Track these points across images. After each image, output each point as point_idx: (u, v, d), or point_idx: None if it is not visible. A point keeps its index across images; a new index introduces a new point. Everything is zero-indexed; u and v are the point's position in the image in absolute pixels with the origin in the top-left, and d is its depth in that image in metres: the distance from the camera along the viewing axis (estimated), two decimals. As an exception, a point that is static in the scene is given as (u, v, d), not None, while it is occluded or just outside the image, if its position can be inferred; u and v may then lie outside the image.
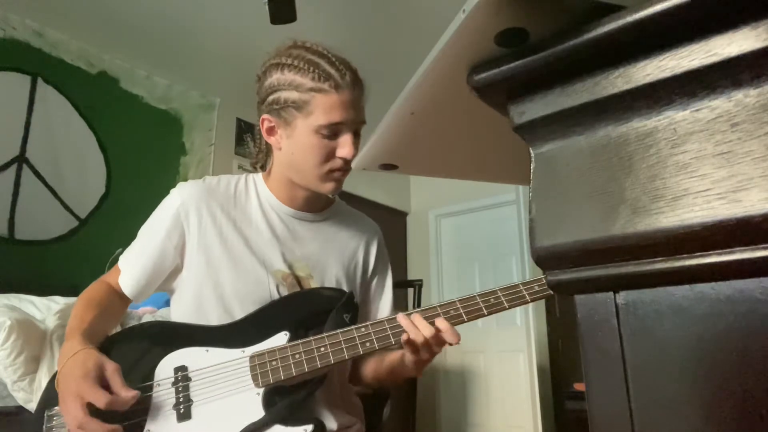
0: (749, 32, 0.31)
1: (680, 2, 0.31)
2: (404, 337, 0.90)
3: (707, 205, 0.31)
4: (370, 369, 1.12)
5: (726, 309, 0.31)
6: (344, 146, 0.97)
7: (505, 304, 0.94)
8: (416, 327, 0.90)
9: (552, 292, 0.45)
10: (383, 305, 1.17)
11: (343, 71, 0.96)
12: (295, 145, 0.99)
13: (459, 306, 0.94)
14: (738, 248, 0.30)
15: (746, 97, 0.31)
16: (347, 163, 0.98)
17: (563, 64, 0.38)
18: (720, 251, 0.31)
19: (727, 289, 0.31)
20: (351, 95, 0.96)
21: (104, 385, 0.82)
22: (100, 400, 0.79)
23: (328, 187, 1.02)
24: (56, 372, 0.89)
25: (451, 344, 0.90)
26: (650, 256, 0.34)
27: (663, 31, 0.33)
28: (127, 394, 0.82)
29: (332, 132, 0.96)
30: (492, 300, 0.94)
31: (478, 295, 0.95)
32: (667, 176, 0.33)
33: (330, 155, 0.98)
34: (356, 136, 0.99)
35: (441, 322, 0.90)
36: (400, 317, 0.92)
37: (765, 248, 0.30)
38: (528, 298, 0.94)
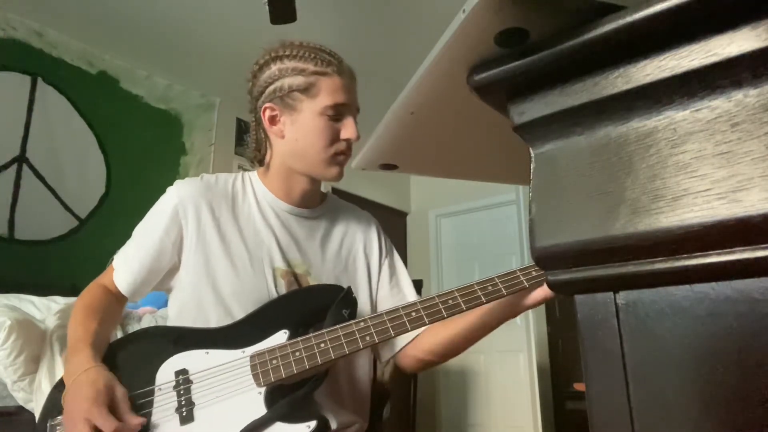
0: (749, 32, 0.31)
1: (680, 2, 0.31)
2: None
3: (707, 205, 0.31)
4: (425, 345, 1.05)
5: (726, 309, 0.31)
6: (348, 128, 1.01)
7: (503, 291, 0.93)
8: None
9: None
10: (405, 288, 1.14)
11: (338, 58, 1.02)
12: (300, 130, 1.01)
13: (457, 295, 0.92)
14: (738, 248, 0.30)
15: (746, 97, 0.31)
16: (350, 147, 1.02)
17: (563, 64, 0.38)
18: (720, 251, 0.31)
19: (727, 289, 0.31)
20: (350, 80, 1.03)
21: (112, 407, 0.82)
22: (109, 426, 0.79)
23: (332, 172, 1.03)
24: (60, 381, 0.88)
25: None
26: (650, 256, 0.34)
27: (663, 31, 0.33)
28: (135, 421, 0.83)
29: (337, 113, 1.00)
30: (490, 288, 0.93)
31: (476, 284, 0.93)
32: (667, 176, 0.33)
33: (335, 138, 1.01)
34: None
35: None
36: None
37: (765, 248, 0.29)
38: (526, 284, 0.93)
